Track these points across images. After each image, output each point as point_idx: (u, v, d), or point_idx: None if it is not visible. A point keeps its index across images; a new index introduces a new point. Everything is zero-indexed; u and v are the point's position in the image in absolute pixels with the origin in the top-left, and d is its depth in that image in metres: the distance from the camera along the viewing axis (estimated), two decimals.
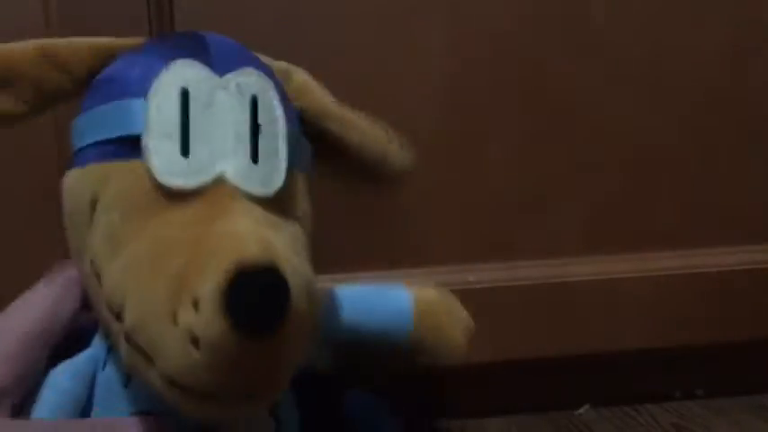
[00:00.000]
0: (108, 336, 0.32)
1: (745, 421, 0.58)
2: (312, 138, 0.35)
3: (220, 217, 0.27)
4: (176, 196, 0.28)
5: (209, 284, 0.24)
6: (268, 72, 0.32)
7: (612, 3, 0.55)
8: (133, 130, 0.29)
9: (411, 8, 0.53)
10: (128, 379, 0.31)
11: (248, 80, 0.30)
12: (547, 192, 0.57)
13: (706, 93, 0.57)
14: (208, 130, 0.29)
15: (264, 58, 0.35)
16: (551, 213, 0.57)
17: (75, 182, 0.31)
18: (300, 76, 0.37)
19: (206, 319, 0.24)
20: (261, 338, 0.24)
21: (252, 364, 0.25)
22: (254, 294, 0.24)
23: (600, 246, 0.57)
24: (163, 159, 0.28)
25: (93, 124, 0.31)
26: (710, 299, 0.58)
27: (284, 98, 0.32)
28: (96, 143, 0.30)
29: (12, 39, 0.48)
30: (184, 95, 0.29)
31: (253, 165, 0.29)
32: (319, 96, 0.37)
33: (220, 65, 0.30)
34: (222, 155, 0.29)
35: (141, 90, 0.29)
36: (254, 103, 0.30)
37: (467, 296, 0.56)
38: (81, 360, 0.33)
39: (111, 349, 0.32)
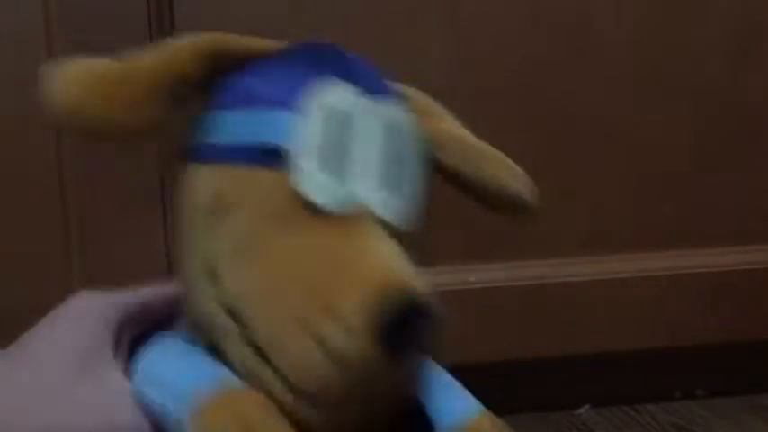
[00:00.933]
0: (204, 338, 0.32)
1: (745, 421, 0.58)
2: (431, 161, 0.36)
3: (359, 237, 0.29)
4: (317, 212, 0.29)
5: (357, 301, 0.25)
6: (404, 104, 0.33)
7: (613, 3, 0.55)
8: (276, 141, 0.29)
9: (411, 8, 0.53)
10: None
11: (395, 112, 0.31)
12: (547, 192, 0.56)
13: (706, 93, 0.57)
14: (356, 155, 0.30)
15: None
16: (551, 213, 0.57)
17: (208, 180, 0.31)
18: (418, 102, 0.37)
19: (350, 334, 0.25)
20: (403, 357, 0.26)
21: (389, 382, 0.26)
22: (403, 318, 0.25)
23: (600, 246, 0.57)
24: (311, 177, 0.29)
25: (231, 126, 0.31)
26: (710, 299, 0.58)
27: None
28: (231, 145, 0.31)
29: (12, 39, 0.49)
30: (337, 118, 0.30)
31: (392, 197, 0.30)
32: (435, 119, 0.37)
33: (366, 86, 0.31)
34: (367, 183, 0.30)
35: (287, 102, 0.30)
36: (395, 134, 0.31)
37: (467, 296, 0.56)
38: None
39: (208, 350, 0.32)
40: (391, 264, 0.27)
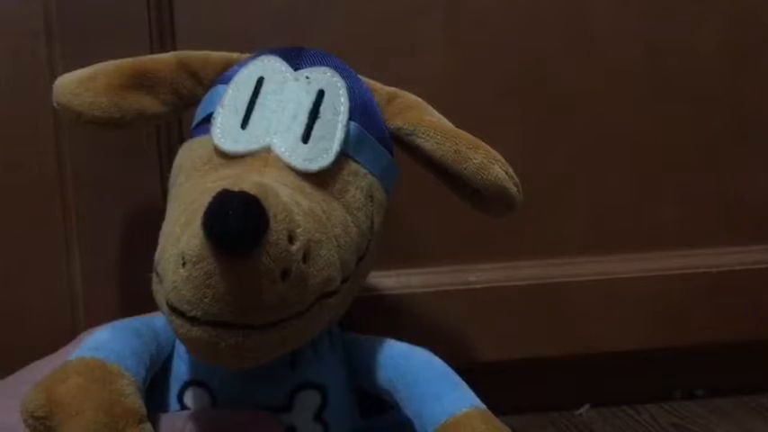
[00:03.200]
0: None
1: (745, 421, 0.58)
2: (416, 154, 0.38)
3: (252, 172, 0.31)
4: (228, 159, 0.32)
5: (201, 208, 0.26)
6: (353, 82, 0.36)
7: (612, 2, 0.55)
8: (213, 110, 0.34)
9: (411, 8, 0.53)
10: None
11: (319, 76, 0.34)
12: (546, 192, 0.57)
13: (706, 93, 0.57)
14: (270, 110, 0.33)
15: (375, 84, 0.39)
16: (551, 213, 0.57)
17: (176, 157, 0.36)
18: (406, 99, 0.39)
19: (192, 235, 0.26)
20: (235, 257, 0.26)
21: (225, 288, 0.26)
22: (226, 214, 0.25)
23: (600, 246, 0.57)
24: (223, 128, 0.33)
25: (197, 111, 0.36)
26: (710, 299, 0.58)
27: (367, 109, 0.36)
28: (193, 128, 0.36)
29: (12, 39, 0.49)
30: (259, 82, 0.33)
31: (301, 143, 0.32)
32: (418, 113, 0.38)
33: (303, 64, 0.35)
34: (275, 131, 0.32)
35: (228, 78, 0.35)
36: (321, 95, 0.33)
37: (467, 296, 0.56)
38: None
39: None
40: (247, 181, 0.28)
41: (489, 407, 0.35)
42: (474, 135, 0.39)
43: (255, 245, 0.26)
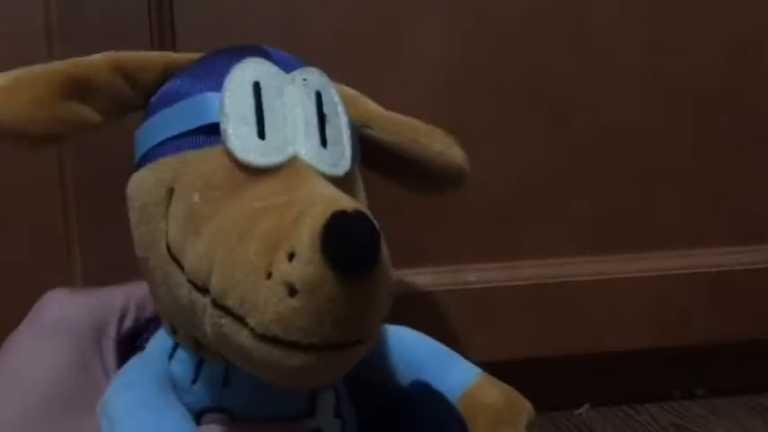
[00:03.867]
0: (176, 331, 0.33)
1: (745, 421, 0.58)
2: (365, 147, 0.37)
3: (301, 186, 0.29)
4: (254, 174, 0.30)
5: (306, 233, 0.25)
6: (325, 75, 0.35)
7: (612, 2, 0.55)
8: (209, 120, 0.31)
9: (411, 8, 0.53)
10: (195, 375, 0.32)
11: (312, 77, 0.33)
12: (546, 192, 0.57)
13: (706, 93, 0.57)
14: (280, 117, 0.31)
15: None
16: (551, 213, 0.57)
17: (147, 177, 0.33)
18: (347, 90, 0.39)
19: (303, 263, 0.25)
20: (357, 278, 0.25)
21: (349, 310, 0.26)
22: (351, 235, 0.25)
23: (600, 246, 0.57)
24: (242, 141, 0.30)
25: (164, 123, 0.32)
26: (710, 299, 0.58)
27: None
28: (167, 140, 0.32)
29: (12, 39, 0.49)
30: (256, 87, 0.31)
31: (322, 148, 0.31)
32: (362, 104, 0.39)
33: (284, 66, 0.33)
34: (295, 138, 0.31)
35: (214, 86, 0.32)
36: (319, 97, 0.32)
37: (467, 296, 0.56)
38: (148, 357, 0.33)
39: (179, 345, 0.33)
40: (334, 197, 0.28)
41: None
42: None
43: (378, 259, 0.26)
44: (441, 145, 0.39)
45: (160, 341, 0.34)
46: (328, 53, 0.52)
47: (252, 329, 0.26)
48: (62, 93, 0.32)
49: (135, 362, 0.33)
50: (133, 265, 0.51)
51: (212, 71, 0.32)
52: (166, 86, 0.34)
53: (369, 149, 0.37)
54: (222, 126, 0.30)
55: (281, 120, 0.31)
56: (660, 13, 0.56)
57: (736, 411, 0.60)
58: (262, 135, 0.31)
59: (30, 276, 0.50)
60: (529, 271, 0.56)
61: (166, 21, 0.50)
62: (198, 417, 0.32)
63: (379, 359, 0.36)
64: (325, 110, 0.32)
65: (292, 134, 0.31)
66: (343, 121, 0.33)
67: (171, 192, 0.31)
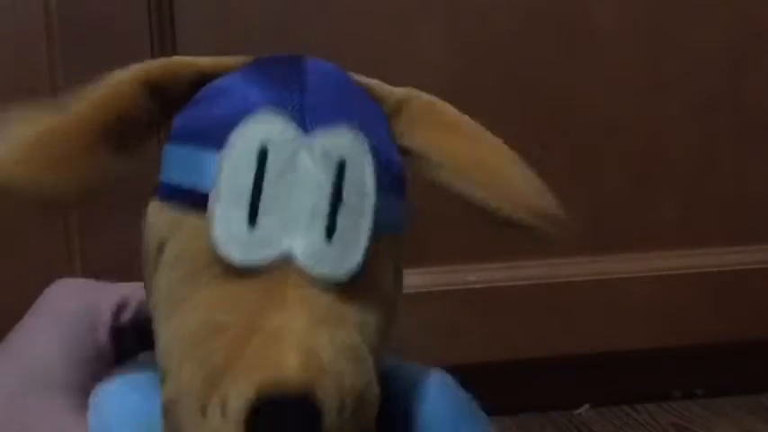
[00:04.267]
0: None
1: (745, 421, 0.58)
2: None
3: (276, 308, 0.25)
4: (235, 271, 0.26)
5: (236, 394, 0.23)
6: (373, 132, 0.28)
7: (613, 3, 0.55)
8: (203, 185, 0.26)
9: (411, 8, 0.53)
10: None
11: (338, 142, 0.26)
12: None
13: (706, 93, 0.57)
14: (282, 199, 0.26)
15: (380, 87, 0.31)
16: None
17: (152, 218, 0.29)
18: (418, 107, 0.32)
19: (225, 422, 0.23)
20: None
21: None
22: (278, 421, 0.22)
23: (600, 246, 0.57)
24: (227, 229, 0.25)
25: (172, 162, 0.28)
26: (711, 299, 0.58)
27: (387, 161, 0.29)
28: (170, 184, 0.28)
29: (12, 39, 0.49)
30: (262, 156, 0.26)
31: (325, 245, 0.26)
32: (434, 135, 0.31)
33: (312, 114, 0.27)
34: (293, 230, 0.26)
35: (217, 139, 0.26)
36: (341, 170, 0.26)
37: (467, 296, 0.56)
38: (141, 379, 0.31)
39: None
40: (288, 351, 0.23)
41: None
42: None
43: None
44: (509, 208, 0.31)
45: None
46: (328, 57, 0.52)
47: None
48: (90, 146, 0.28)
49: (140, 361, 0.33)
50: (133, 264, 0.51)
51: (231, 111, 0.27)
52: (187, 112, 0.29)
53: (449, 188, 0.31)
54: (209, 204, 0.25)
55: (282, 204, 0.26)
56: (660, 13, 0.56)
57: (736, 411, 0.60)
58: (253, 222, 0.25)
59: (30, 277, 0.50)
60: (529, 271, 0.56)
61: (166, 23, 0.50)
62: None
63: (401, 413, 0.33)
64: (345, 188, 0.26)
65: (291, 225, 0.26)
66: (368, 202, 0.27)
67: (162, 248, 0.28)
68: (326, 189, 0.26)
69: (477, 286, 0.55)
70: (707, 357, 0.61)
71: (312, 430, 0.22)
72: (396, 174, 0.30)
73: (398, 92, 0.32)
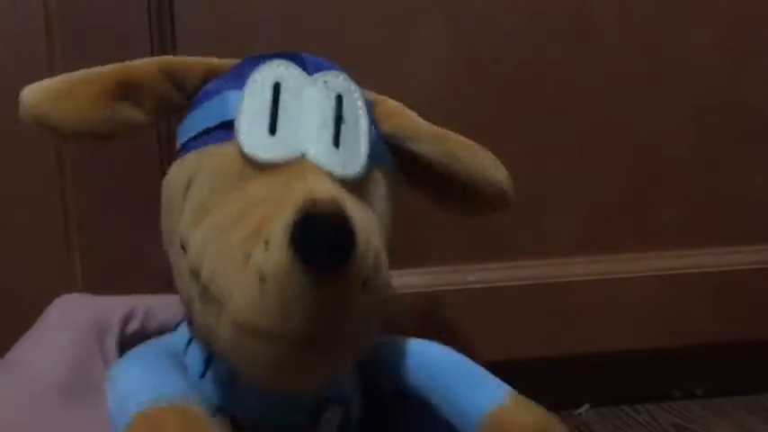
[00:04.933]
0: (191, 322, 0.33)
1: (745, 421, 0.58)
2: (404, 161, 0.37)
3: (302, 182, 0.29)
4: (261, 169, 0.30)
5: (281, 222, 0.25)
6: (355, 81, 0.35)
7: (613, 3, 0.55)
8: (228, 116, 0.32)
9: (411, 8, 0.53)
10: (204, 369, 0.32)
11: (335, 80, 0.33)
12: (546, 191, 0.57)
13: (706, 93, 0.57)
14: (295, 116, 0.31)
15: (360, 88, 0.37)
16: (551, 213, 0.57)
17: (174, 171, 0.34)
18: (389, 104, 0.39)
19: (273, 253, 0.25)
20: (324, 276, 0.25)
21: (315, 305, 0.25)
22: (319, 231, 0.24)
23: (600, 246, 0.57)
24: (252, 136, 0.31)
25: (194, 120, 0.34)
26: (711, 299, 0.58)
27: (368, 108, 0.35)
28: (195, 136, 0.33)
29: (12, 39, 0.49)
30: (276, 87, 0.32)
31: (334, 149, 0.31)
32: (408, 118, 0.38)
33: (311, 68, 0.33)
34: (306, 137, 0.31)
35: (239, 85, 0.32)
36: (339, 99, 0.32)
37: (467, 296, 0.56)
38: (163, 340, 0.34)
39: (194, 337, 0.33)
40: (319, 191, 0.27)
41: None
42: (473, 135, 0.39)
43: (347, 262, 0.25)
44: (481, 162, 0.38)
45: (181, 332, 0.34)
46: (328, 57, 0.52)
47: (229, 317, 0.26)
48: (114, 94, 0.34)
49: (149, 342, 0.34)
50: (133, 264, 0.51)
51: (241, 73, 0.33)
52: (204, 88, 0.35)
53: (408, 165, 0.37)
54: (236, 122, 0.31)
55: (296, 119, 0.31)
56: (660, 14, 0.56)
57: (736, 411, 0.60)
58: (273, 131, 0.31)
59: (30, 276, 0.50)
60: (529, 271, 0.56)
61: (166, 22, 0.50)
62: None
63: (402, 373, 0.35)
64: (344, 112, 0.32)
65: (304, 133, 0.31)
66: (363, 125, 0.33)
67: (190, 183, 0.32)
68: (330, 109, 0.32)
69: (477, 286, 0.55)
70: (707, 357, 0.61)
71: (346, 248, 0.25)
72: (377, 129, 0.36)
73: (369, 93, 0.38)
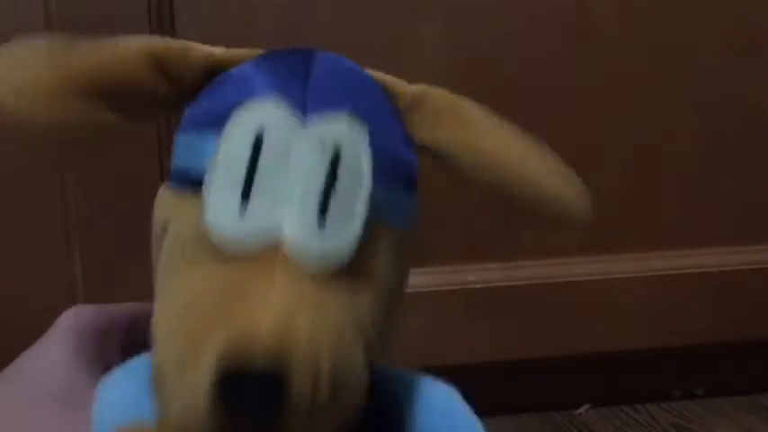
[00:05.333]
0: None
1: (745, 421, 0.58)
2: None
3: (262, 287, 0.25)
4: (226, 251, 0.26)
5: (207, 351, 0.23)
6: (374, 121, 0.28)
7: (613, 3, 0.55)
8: (202, 167, 0.27)
9: (411, 8, 0.53)
10: None
11: (334, 128, 0.27)
12: None
13: (706, 93, 0.57)
14: (275, 182, 0.26)
15: (395, 83, 0.32)
16: None
17: (159, 203, 0.30)
18: (437, 100, 0.32)
19: (194, 392, 0.23)
20: (233, 424, 0.22)
21: None
22: (245, 384, 0.22)
23: (600, 246, 0.57)
24: (219, 213, 0.26)
25: (178, 149, 0.29)
26: (711, 299, 0.58)
27: (390, 150, 0.29)
28: (175, 169, 0.29)
29: (12, 39, 0.49)
30: (258, 141, 0.26)
31: (318, 228, 0.26)
32: (452, 125, 0.32)
33: (312, 102, 0.27)
34: (284, 213, 0.26)
35: (218, 124, 0.27)
36: (336, 155, 0.27)
37: (467, 296, 0.56)
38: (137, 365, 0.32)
39: None
40: (261, 316, 0.23)
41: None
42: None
43: (277, 419, 0.22)
44: (556, 186, 0.31)
45: None
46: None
47: (168, 423, 0.25)
48: (79, 92, 0.28)
49: (143, 355, 0.33)
50: (133, 264, 0.51)
51: (234, 97, 0.28)
52: (197, 102, 0.30)
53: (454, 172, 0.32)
54: (205, 185, 0.26)
55: (275, 189, 0.26)
56: (660, 14, 0.56)
57: (736, 411, 0.60)
58: (245, 203, 0.26)
59: (30, 276, 0.50)
60: (529, 271, 0.56)
61: (166, 21, 0.50)
62: None
63: (406, 416, 0.33)
64: (340, 173, 0.26)
65: (282, 208, 0.26)
66: (364, 190, 0.27)
67: (165, 229, 0.28)
68: (320, 174, 0.26)
69: (477, 286, 0.55)
70: (707, 357, 0.61)
71: (270, 401, 0.22)
72: (402, 167, 0.30)
73: (415, 88, 0.32)
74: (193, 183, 0.27)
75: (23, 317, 0.50)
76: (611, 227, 0.58)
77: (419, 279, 0.55)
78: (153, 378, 0.26)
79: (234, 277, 0.25)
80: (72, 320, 0.35)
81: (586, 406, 0.61)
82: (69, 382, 0.31)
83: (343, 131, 0.27)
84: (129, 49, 0.29)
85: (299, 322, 0.24)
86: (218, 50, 0.30)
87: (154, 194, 0.49)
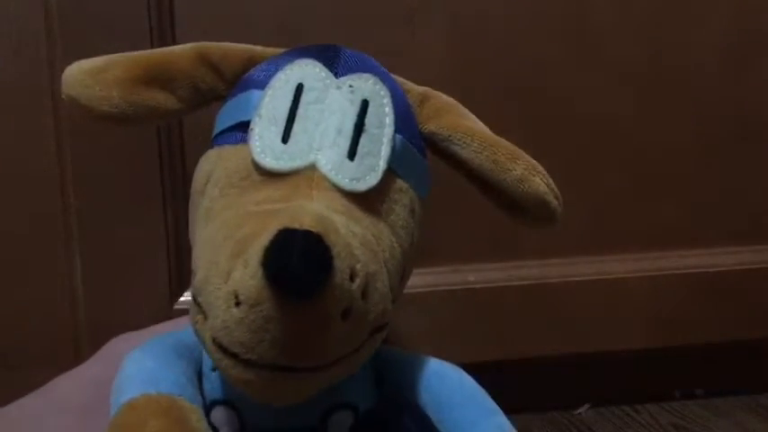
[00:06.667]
0: None
1: (745, 421, 0.58)
2: (448, 159, 0.36)
3: (300, 197, 0.29)
4: (269, 177, 0.30)
5: (258, 245, 0.25)
6: (392, 85, 0.33)
7: (613, 3, 0.55)
8: (246, 117, 0.31)
9: (411, 8, 0.53)
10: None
11: (363, 84, 0.31)
12: None
13: (706, 93, 0.57)
14: (313, 122, 0.30)
15: (406, 83, 0.37)
16: None
17: (199, 165, 0.33)
18: (440, 101, 0.37)
19: (249, 275, 0.25)
20: (294, 303, 0.24)
21: (284, 333, 0.24)
22: (292, 257, 0.24)
23: (600, 246, 0.57)
24: (263, 142, 0.30)
25: (222, 115, 0.33)
26: (711, 299, 0.58)
27: (405, 115, 0.33)
28: (221, 132, 0.33)
29: (12, 39, 0.49)
30: (298, 89, 0.31)
31: (347, 160, 0.30)
32: (453, 119, 0.36)
33: (342, 69, 0.32)
34: (320, 146, 0.30)
35: (263, 83, 0.31)
36: (365, 106, 0.31)
37: (467, 296, 0.56)
38: (180, 332, 0.33)
39: None
40: (304, 213, 0.26)
41: None
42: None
43: (321, 289, 0.24)
44: (522, 171, 0.35)
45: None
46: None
47: (209, 332, 0.26)
48: (145, 79, 0.33)
49: (168, 333, 0.34)
50: (133, 264, 0.51)
51: (275, 68, 0.32)
52: (242, 78, 0.34)
53: (452, 163, 0.36)
54: (251, 125, 0.30)
55: (313, 125, 0.30)
56: (660, 14, 0.56)
57: (736, 411, 0.60)
58: (286, 138, 0.30)
59: (30, 277, 0.50)
60: (529, 271, 0.56)
61: (166, 23, 0.50)
62: (209, 408, 0.32)
63: (417, 394, 0.34)
64: (367, 120, 0.31)
65: (318, 142, 0.30)
66: (387, 135, 0.31)
67: (208, 180, 0.32)
68: (351, 116, 0.31)
69: (477, 286, 0.55)
70: (707, 357, 0.61)
71: (319, 273, 0.24)
72: (416, 134, 0.34)
73: (420, 88, 0.37)
74: (238, 135, 0.31)
75: (23, 317, 0.50)
76: (611, 227, 0.58)
77: (419, 279, 0.55)
78: (192, 300, 0.28)
79: (276, 193, 0.29)
80: (120, 345, 0.36)
81: (586, 406, 0.61)
82: (100, 399, 0.31)
83: (369, 87, 0.31)
84: (183, 48, 0.35)
85: (336, 219, 0.27)
86: (257, 48, 0.36)
87: (154, 194, 0.49)
